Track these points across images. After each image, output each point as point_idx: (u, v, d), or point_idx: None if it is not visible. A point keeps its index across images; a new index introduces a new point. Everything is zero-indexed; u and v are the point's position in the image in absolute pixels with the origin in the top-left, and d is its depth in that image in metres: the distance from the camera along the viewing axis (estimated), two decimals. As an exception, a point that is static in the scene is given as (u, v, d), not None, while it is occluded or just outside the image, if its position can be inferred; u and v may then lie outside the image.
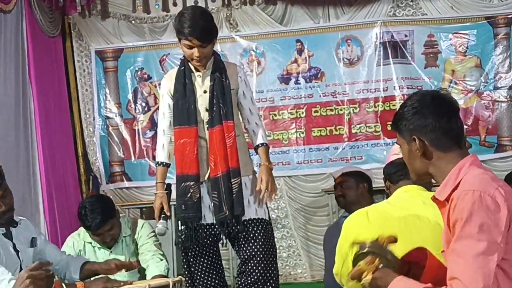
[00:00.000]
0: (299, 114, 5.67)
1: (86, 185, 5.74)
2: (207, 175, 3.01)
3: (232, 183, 2.95)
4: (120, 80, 5.84)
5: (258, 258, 2.98)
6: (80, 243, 3.40)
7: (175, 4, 5.71)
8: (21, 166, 4.80)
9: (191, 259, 3.06)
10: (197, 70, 3.02)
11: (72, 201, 5.49)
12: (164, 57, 5.79)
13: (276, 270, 3.08)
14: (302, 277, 5.56)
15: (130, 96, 5.85)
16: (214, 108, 2.97)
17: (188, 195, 2.96)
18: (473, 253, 1.58)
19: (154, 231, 3.39)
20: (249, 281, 3.00)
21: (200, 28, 2.86)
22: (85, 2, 5.60)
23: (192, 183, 2.96)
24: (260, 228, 3.01)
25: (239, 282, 3.07)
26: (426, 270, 1.74)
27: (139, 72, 5.85)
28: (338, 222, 3.79)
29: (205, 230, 3.03)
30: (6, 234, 2.74)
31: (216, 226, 3.01)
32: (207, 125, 2.99)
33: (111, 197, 5.68)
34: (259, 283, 2.98)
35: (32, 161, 4.98)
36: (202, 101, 3.00)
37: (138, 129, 5.83)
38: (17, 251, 2.75)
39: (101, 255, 3.38)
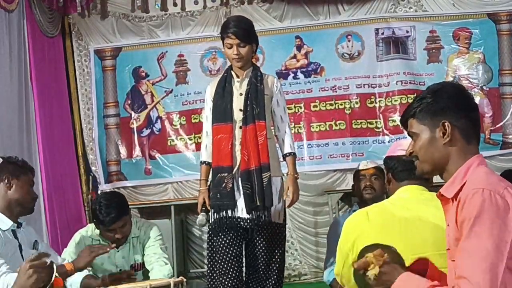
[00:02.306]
0: (297, 109, 5.63)
1: (86, 185, 5.74)
2: (236, 168, 3.27)
3: (263, 177, 3.23)
4: (118, 79, 5.84)
5: (278, 264, 3.32)
6: (87, 240, 3.42)
7: (175, 5, 5.73)
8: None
9: (219, 248, 3.25)
10: (237, 76, 3.37)
11: (72, 201, 5.51)
12: (162, 55, 5.79)
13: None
14: (302, 279, 5.52)
15: (127, 94, 5.84)
16: (248, 109, 3.29)
17: (223, 185, 3.23)
18: (482, 253, 1.55)
19: (161, 234, 3.49)
20: (267, 283, 3.29)
21: (241, 28, 3.29)
22: (85, 2, 5.61)
23: (226, 174, 3.24)
24: (279, 234, 3.33)
25: (252, 279, 3.31)
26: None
27: (137, 70, 5.84)
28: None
29: (235, 220, 3.25)
30: (13, 233, 2.82)
31: (245, 220, 3.23)
32: (240, 124, 3.29)
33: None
34: (275, 286, 3.32)
35: (33, 161, 4.96)
36: (237, 103, 3.31)
37: (134, 128, 5.81)
38: (20, 250, 2.82)
39: (107, 253, 3.35)
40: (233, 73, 3.38)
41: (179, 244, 5.54)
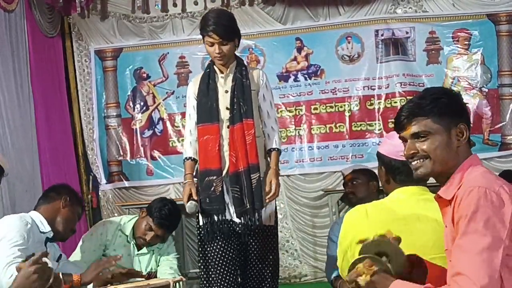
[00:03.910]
0: (298, 111, 5.64)
1: (86, 185, 5.74)
2: (225, 171, 3.12)
3: (252, 178, 3.07)
4: (119, 80, 5.83)
5: (271, 267, 3.20)
6: (110, 232, 3.44)
7: (175, 5, 5.72)
8: (22, 166, 4.80)
9: (214, 254, 3.13)
10: (221, 72, 3.18)
11: (72, 202, 5.48)
12: (163, 56, 5.79)
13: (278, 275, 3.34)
14: (302, 280, 5.52)
15: (128, 95, 5.84)
16: (235, 107, 3.10)
17: (212, 189, 3.07)
18: (478, 248, 1.57)
19: (178, 254, 3.54)
20: (261, 287, 3.20)
21: (221, 25, 3.06)
22: (85, 3, 5.60)
23: (214, 177, 3.08)
24: (271, 237, 3.21)
25: (246, 283, 3.21)
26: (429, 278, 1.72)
27: (138, 71, 5.84)
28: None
29: (226, 225, 3.13)
30: (44, 242, 2.94)
31: (237, 224, 3.11)
32: (228, 123, 3.12)
33: (110, 196, 5.73)
34: None
35: (32, 161, 4.97)
36: (224, 101, 3.13)
37: (136, 129, 5.81)
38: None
39: (127, 251, 3.44)
40: (216, 68, 3.19)
41: (179, 244, 5.55)
